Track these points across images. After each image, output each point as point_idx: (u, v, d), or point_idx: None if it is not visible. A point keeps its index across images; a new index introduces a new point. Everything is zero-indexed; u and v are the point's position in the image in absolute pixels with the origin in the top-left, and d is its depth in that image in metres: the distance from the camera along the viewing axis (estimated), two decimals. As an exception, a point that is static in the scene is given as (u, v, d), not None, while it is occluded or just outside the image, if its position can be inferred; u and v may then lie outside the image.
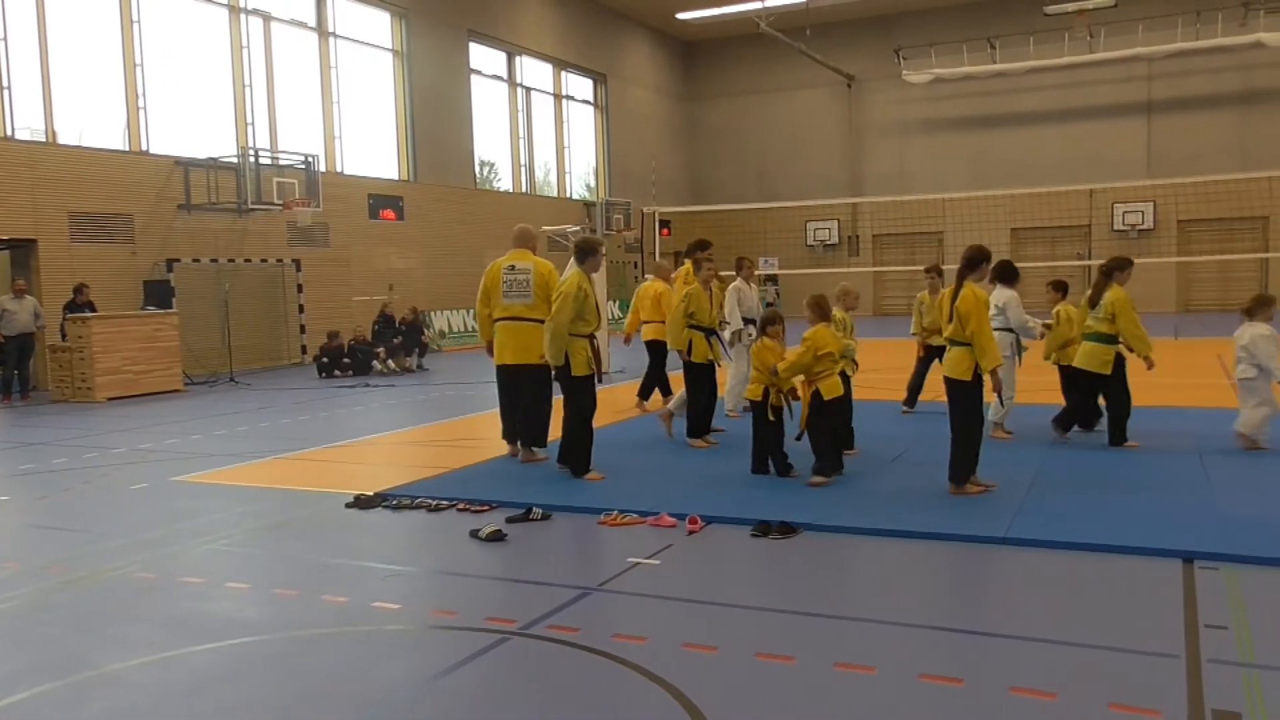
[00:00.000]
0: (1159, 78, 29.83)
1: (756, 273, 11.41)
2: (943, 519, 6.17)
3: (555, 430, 8.25)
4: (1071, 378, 8.86)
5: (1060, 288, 9.35)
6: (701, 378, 9.15)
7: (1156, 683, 3.82)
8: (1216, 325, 22.30)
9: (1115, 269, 8.71)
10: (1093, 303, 8.68)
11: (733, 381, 10.83)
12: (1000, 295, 8.82)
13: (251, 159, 18.46)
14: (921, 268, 11.72)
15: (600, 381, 8.08)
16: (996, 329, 8.41)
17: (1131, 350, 8.61)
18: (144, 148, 17.91)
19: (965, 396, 6.76)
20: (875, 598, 4.96)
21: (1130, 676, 3.90)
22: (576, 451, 7.80)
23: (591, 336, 7.87)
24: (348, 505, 7.16)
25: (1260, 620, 4.44)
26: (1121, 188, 28.16)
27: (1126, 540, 5.60)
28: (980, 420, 6.86)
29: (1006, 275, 8.88)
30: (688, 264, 9.68)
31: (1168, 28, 27.86)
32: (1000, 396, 7.70)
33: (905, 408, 10.64)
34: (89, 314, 14.93)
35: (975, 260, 6.86)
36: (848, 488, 7.15)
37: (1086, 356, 8.63)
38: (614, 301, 25.39)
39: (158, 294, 16.90)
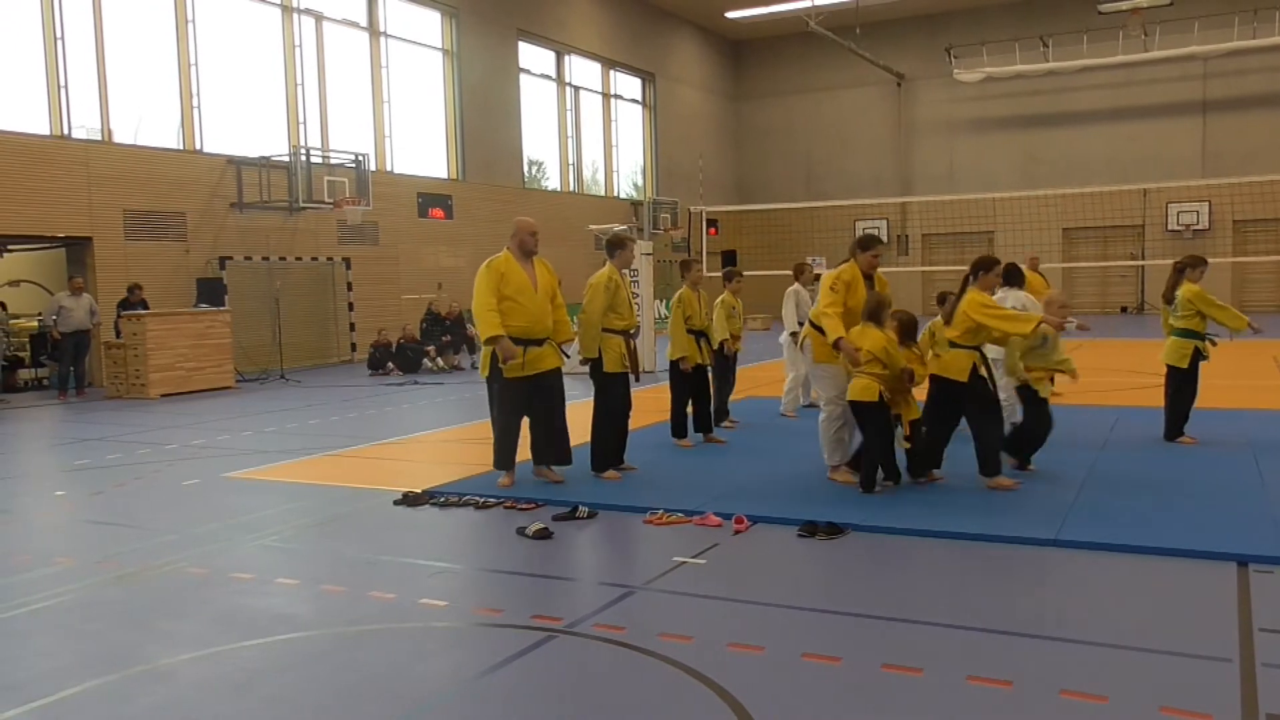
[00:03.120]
0: (1214, 76, 29.23)
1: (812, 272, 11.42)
2: (993, 520, 6.10)
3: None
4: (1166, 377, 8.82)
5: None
6: (690, 381, 9.15)
7: (1209, 686, 3.76)
8: (1273, 326, 21.79)
9: (1188, 266, 8.75)
10: (1168, 299, 8.78)
11: (790, 384, 11.01)
12: (1012, 298, 8.67)
13: (303, 158, 18.71)
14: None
15: (638, 381, 8.09)
16: None
17: (1215, 344, 8.73)
18: (197, 147, 18.22)
19: (969, 397, 6.94)
20: (923, 599, 4.92)
21: (1182, 680, 3.84)
22: (596, 448, 7.83)
23: (626, 333, 7.87)
24: (395, 502, 7.23)
25: (1319, 629, 4.35)
26: (1176, 187, 27.67)
27: (1179, 543, 5.51)
28: (996, 416, 7.07)
29: (1011, 278, 8.82)
30: (848, 265, 7.79)
31: (1224, 26, 27.30)
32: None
33: None
34: (143, 311, 15.21)
35: (975, 267, 7.13)
36: (896, 489, 7.09)
37: (1169, 352, 8.74)
38: (660, 300, 25.38)
39: (210, 292, 17.20)
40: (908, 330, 7.11)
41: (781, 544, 5.91)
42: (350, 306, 20.62)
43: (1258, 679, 3.80)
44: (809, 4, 27.51)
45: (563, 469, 7.72)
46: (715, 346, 9.69)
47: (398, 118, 22.65)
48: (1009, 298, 8.64)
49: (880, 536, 6.00)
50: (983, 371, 7.01)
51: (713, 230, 29.89)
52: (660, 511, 6.55)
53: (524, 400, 7.47)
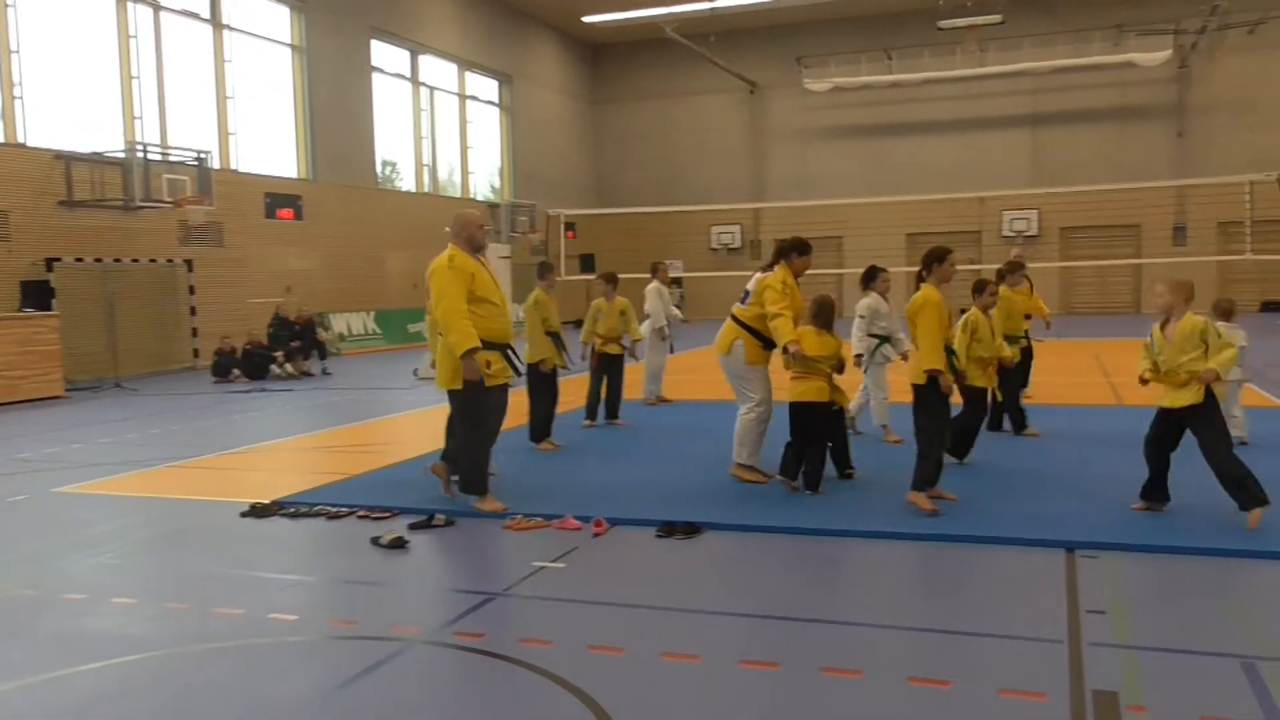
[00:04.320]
0: (1043, 92, 31.05)
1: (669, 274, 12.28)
2: (841, 516, 6.30)
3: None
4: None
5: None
6: (544, 384, 9.23)
7: (1042, 667, 3.99)
8: (1096, 327, 23.30)
9: (1007, 273, 9.46)
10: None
11: (652, 372, 11.62)
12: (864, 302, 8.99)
13: (140, 154, 17.81)
14: (821, 270, 12.28)
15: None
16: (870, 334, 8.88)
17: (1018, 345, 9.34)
18: (20, 139, 17.13)
19: (923, 401, 6.47)
20: (777, 594, 5.04)
21: (1018, 662, 4.06)
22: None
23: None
24: (243, 514, 6.97)
25: (1135, 604, 4.69)
26: (1009, 195, 29.24)
27: (1012, 533, 5.82)
28: (943, 427, 6.57)
29: (868, 279, 9.08)
30: (782, 268, 7.44)
31: (1051, 45, 29.02)
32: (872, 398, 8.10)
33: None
34: (-37, 315, 14.23)
35: (929, 261, 6.70)
36: (761, 487, 7.25)
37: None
38: (519, 304, 25.22)
39: (36, 295, 16.17)
40: (828, 318, 7.30)
41: (640, 545, 5.97)
42: (193, 311, 19.74)
43: (1084, 658, 4.05)
44: (665, 11, 27.86)
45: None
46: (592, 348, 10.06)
47: (244, 114, 21.84)
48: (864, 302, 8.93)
49: (737, 535, 6.12)
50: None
51: (571, 234, 29.92)
52: (519, 516, 6.51)
53: (503, 411, 6.89)
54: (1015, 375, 9.22)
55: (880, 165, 32.55)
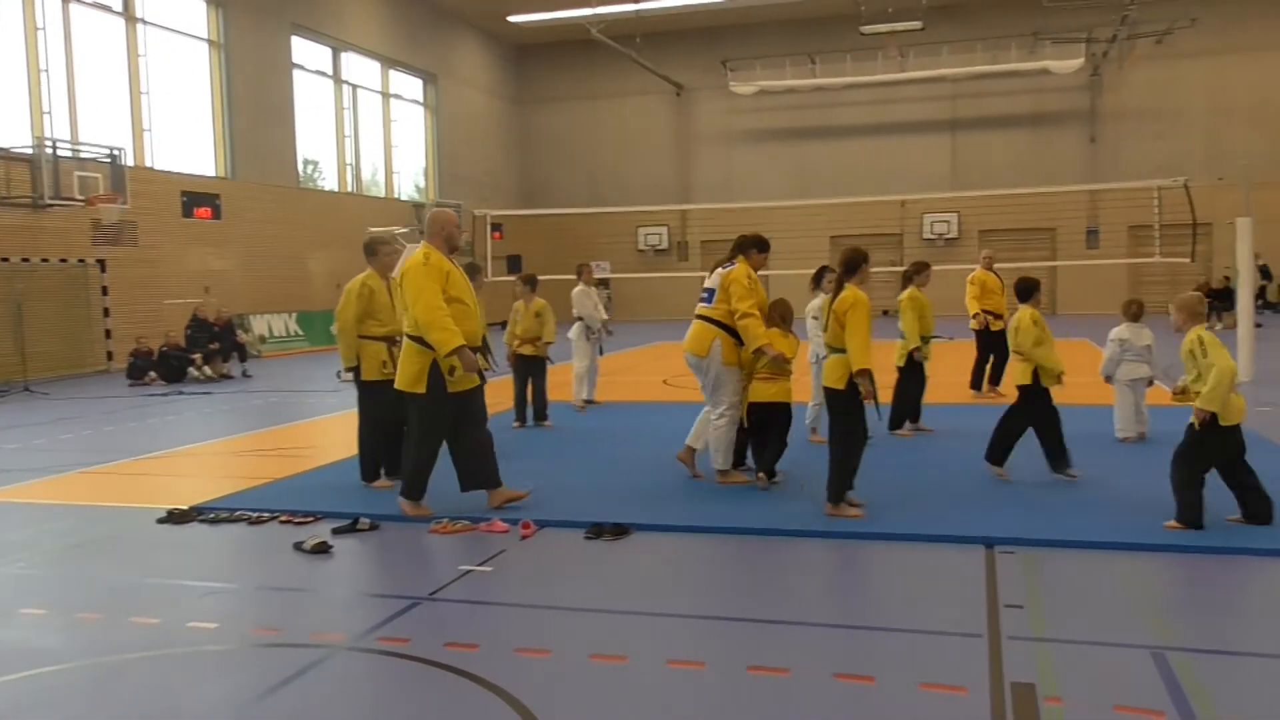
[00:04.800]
0: (962, 97, 31.77)
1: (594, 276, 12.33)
2: (768, 516, 6.36)
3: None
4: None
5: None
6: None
7: (962, 661, 4.07)
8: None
9: (915, 272, 9.76)
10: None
11: (579, 372, 11.56)
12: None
13: (49, 150, 17.24)
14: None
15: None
16: None
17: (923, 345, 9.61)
18: (-77, 136, 16.49)
19: (842, 407, 6.37)
20: (703, 594, 5.08)
21: (939, 657, 4.15)
22: (364, 457, 7.66)
23: (389, 339, 7.64)
24: (160, 520, 6.79)
25: (1052, 598, 4.81)
26: (930, 199, 29.85)
27: (934, 530, 5.93)
28: (861, 434, 6.45)
29: (818, 279, 9.22)
30: (742, 262, 7.43)
31: (969, 51, 29.68)
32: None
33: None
34: None
35: (853, 263, 6.52)
36: (692, 486, 7.28)
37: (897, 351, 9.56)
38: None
39: (-60, 296, 15.59)
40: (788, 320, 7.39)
41: (568, 547, 5.95)
42: (106, 312, 19.17)
43: (1003, 651, 4.15)
44: (591, 12, 27.85)
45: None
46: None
47: (159, 111, 21.28)
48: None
49: (665, 535, 6.14)
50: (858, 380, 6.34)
51: (497, 234, 29.73)
52: (445, 520, 6.46)
53: (458, 416, 6.66)
54: (920, 375, 9.54)
55: (804, 168, 32.96)
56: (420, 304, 6.39)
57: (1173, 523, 5.78)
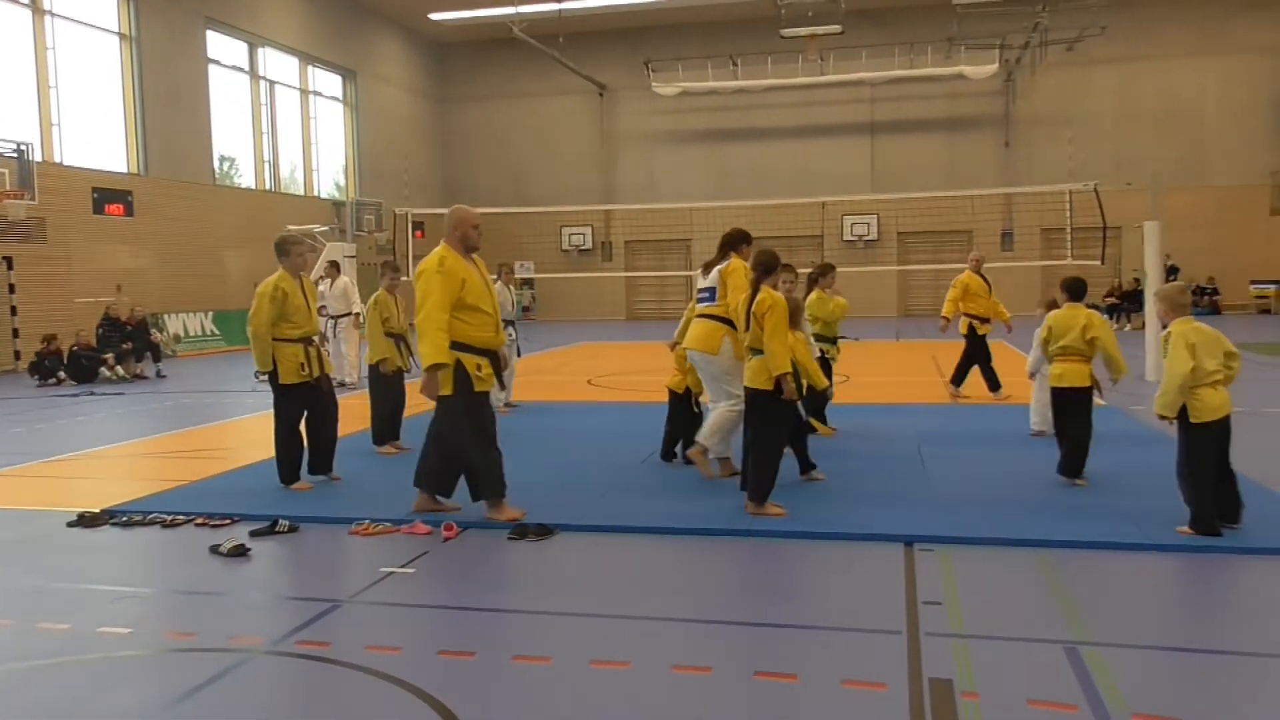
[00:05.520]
0: (880, 101, 32.37)
1: (515, 276, 12.10)
2: (692, 513, 6.41)
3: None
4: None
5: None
6: (386, 386, 9.07)
7: (882, 658, 4.15)
8: (932, 329, 24.36)
9: (820, 275, 9.77)
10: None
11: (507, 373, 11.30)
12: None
13: (-49, 145, 16.62)
14: (671, 272, 12.48)
15: (344, 387, 7.86)
16: None
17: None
18: None
19: (765, 408, 6.39)
20: (628, 594, 5.10)
21: (860, 654, 4.22)
22: (281, 460, 7.53)
23: (306, 340, 7.55)
24: (70, 524, 6.59)
25: (968, 594, 4.92)
26: (849, 201, 30.35)
27: (854, 529, 6.02)
28: (783, 434, 6.54)
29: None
30: (735, 257, 7.50)
31: (887, 55, 30.21)
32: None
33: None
34: None
35: (769, 265, 6.57)
36: (617, 486, 7.29)
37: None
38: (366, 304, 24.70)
39: None
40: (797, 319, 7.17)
41: (492, 548, 5.92)
42: (13, 310, 18.53)
43: (921, 647, 4.24)
44: (513, 10, 27.71)
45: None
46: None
47: (68, 105, 20.62)
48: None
49: (590, 535, 6.14)
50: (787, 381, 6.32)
51: (419, 233, 29.36)
52: (366, 522, 6.38)
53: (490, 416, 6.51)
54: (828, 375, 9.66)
55: (725, 169, 33.24)
56: (422, 309, 6.11)
57: (1185, 528, 5.71)
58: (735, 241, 7.52)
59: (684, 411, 8.13)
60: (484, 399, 6.44)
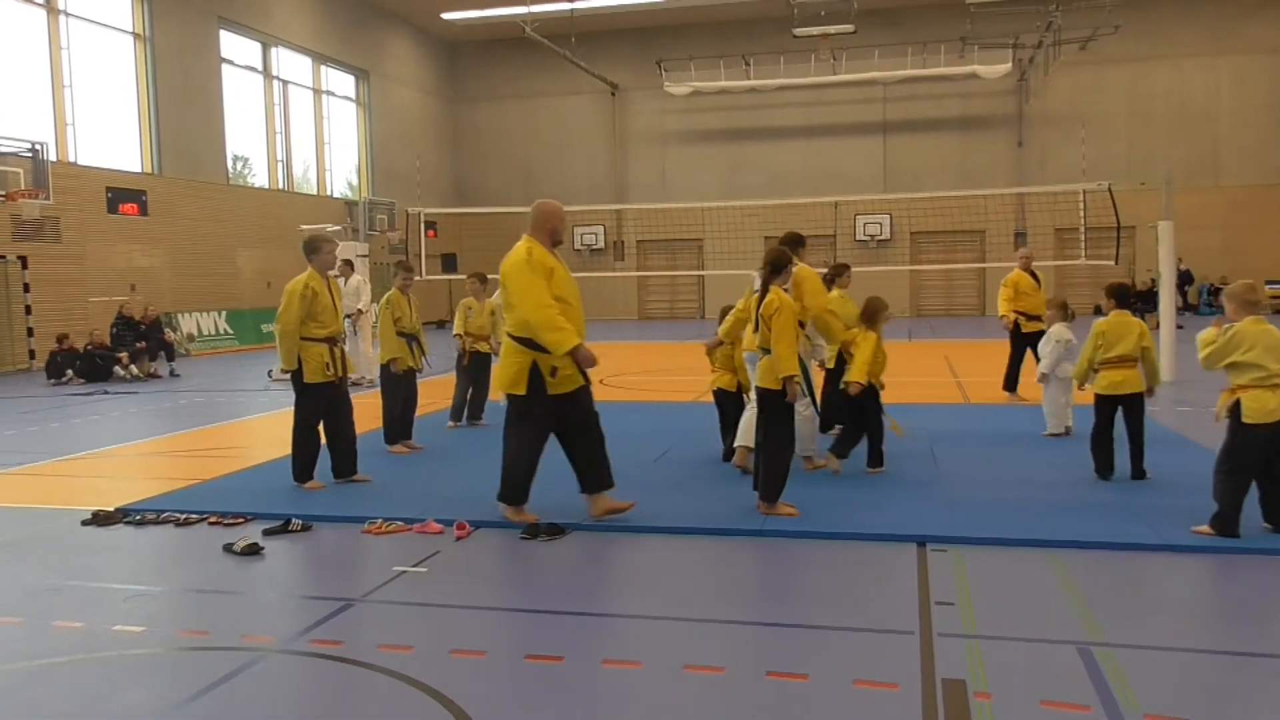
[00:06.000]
0: (892, 100, 32.27)
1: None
2: (704, 513, 6.41)
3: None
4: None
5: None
6: (397, 386, 9.09)
7: (894, 658, 4.13)
8: (943, 329, 24.32)
9: (836, 275, 9.59)
10: None
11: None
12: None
13: (-34, 144, 16.72)
14: (683, 271, 12.32)
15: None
16: None
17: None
18: None
19: (776, 408, 6.33)
20: (640, 594, 5.09)
21: (872, 654, 4.21)
22: (297, 458, 7.54)
23: (332, 340, 7.57)
24: (84, 522, 6.63)
25: (981, 595, 4.89)
26: (862, 201, 30.27)
27: (866, 529, 6.01)
28: (792, 435, 6.50)
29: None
30: (802, 268, 7.56)
31: (899, 55, 30.15)
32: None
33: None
34: None
35: (778, 264, 6.51)
36: (629, 486, 7.26)
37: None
38: (377, 304, 24.76)
39: None
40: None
41: (504, 548, 5.93)
42: (28, 310, 18.64)
43: (935, 648, 4.22)
44: (525, 10, 27.73)
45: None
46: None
47: (83, 105, 20.73)
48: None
49: (602, 535, 6.14)
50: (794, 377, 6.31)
51: (431, 233, 29.44)
52: (379, 521, 6.39)
53: (555, 421, 6.32)
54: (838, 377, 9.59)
55: (737, 169, 33.21)
56: (528, 303, 6.01)
57: (1204, 527, 5.66)
58: (793, 245, 7.55)
59: (737, 412, 7.87)
60: (558, 402, 6.19)
